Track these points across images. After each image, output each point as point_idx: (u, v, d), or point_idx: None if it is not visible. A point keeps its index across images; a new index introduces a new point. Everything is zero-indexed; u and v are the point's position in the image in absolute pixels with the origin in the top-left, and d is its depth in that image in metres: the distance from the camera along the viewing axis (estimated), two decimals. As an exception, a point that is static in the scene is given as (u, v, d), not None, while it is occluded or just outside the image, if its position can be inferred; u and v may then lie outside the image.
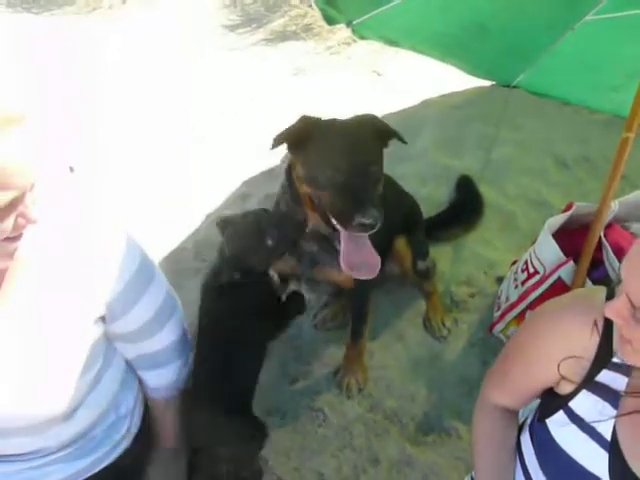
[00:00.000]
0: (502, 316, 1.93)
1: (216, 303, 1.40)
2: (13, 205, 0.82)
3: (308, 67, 3.70)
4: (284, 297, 1.53)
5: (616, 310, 0.76)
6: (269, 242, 1.33)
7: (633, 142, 1.70)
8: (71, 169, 1.56)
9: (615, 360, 0.86)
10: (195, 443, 1.41)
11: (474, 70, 3.02)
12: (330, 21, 2.16)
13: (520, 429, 1.08)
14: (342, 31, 3.53)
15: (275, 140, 1.38)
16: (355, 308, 1.79)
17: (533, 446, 1.00)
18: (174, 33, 4.11)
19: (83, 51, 3.80)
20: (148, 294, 1.12)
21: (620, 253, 1.72)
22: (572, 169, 2.75)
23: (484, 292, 2.16)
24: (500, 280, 2.15)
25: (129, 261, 1.06)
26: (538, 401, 1.03)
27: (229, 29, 4.20)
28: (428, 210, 2.22)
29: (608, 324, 0.86)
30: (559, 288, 1.73)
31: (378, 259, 1.38)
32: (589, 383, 0.87)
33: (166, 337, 1.22)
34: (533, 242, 1.92)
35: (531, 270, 1.85)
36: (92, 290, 1.01)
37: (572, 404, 0.89)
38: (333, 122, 1.40)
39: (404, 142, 1.46)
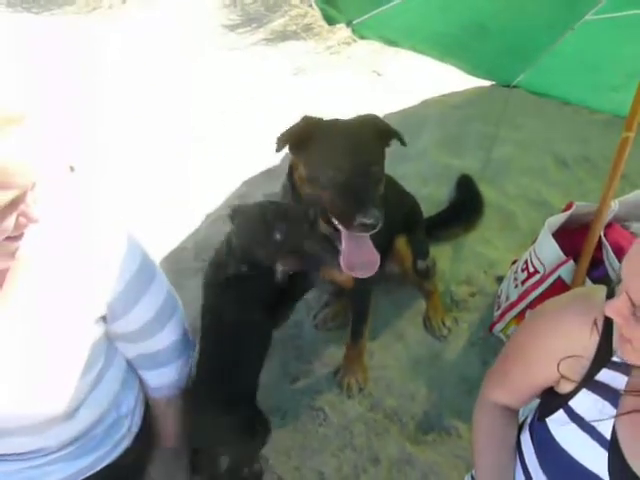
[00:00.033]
0: (502, 315, 1.94)
1: (220, 298, 1.37)
2: (14, 204, 0.82)
3: (308, 67, 3.70)
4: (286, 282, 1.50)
5: (616, 309, 0.76)
6: (277, 236, 1.29)
7: (633, 142, 1.70)
8: (71, 169, 1.56)
9: (615, 359, 0.86)
10: (196, 443, 1.41)
11: (474, 70, 3.02)
12: (330, 21, 2.15)
13: (520, 428, 1.09)
14: (342, 31, 3.53)
15: (279, 141, 1.38)
16: (355, 308, 1.80)
17: (533, 445, 1.00)
18: (174, 33, 4.10)
19: (83, 51, 3.80)
20: (149, 294, 1.13)
21: (620, 252, 1.72)
22: (572, 169, 2.75)
23: (484, 291, 2.17)
24: (500, 279, 2.15)
25: (130, 261, 1.06)
26: (538, 400, 1.04)
27: (229, 29, 4.20)
28: (428, 209, 2.22)
29: (608, 323, 0.86)
30: (559, 287, 1.73)
31: (377, 257, 1.39)
32: (589, 382, 0.88)
33: (167, 337, 1.22)
34: (533, 241, 1.92)
35: (531, 269, 1.86)
36: (93, 290, 1.01)
37: (572, 403, 0.90)
38: (335, 122, 1.40)
39: (404, 144, 1.46)
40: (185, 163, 2.87)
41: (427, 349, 1.99)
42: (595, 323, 0.87)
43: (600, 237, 1.76)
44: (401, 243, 1.87)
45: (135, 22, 4.31)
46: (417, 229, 1.97)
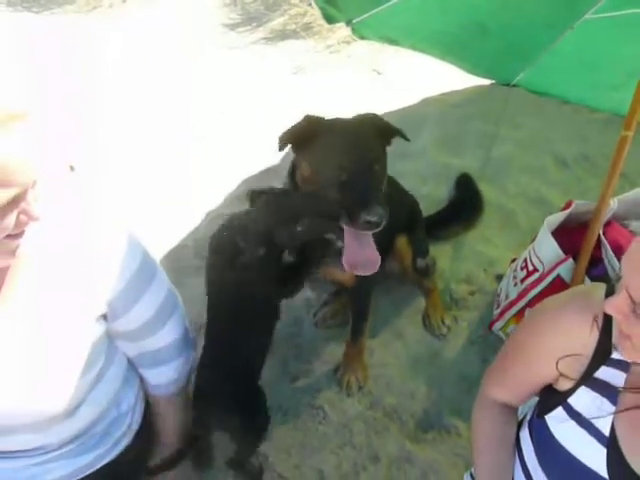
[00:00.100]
0: (502, 314, 1.94)
1: (228, 273, 1.35)
2: (15, 202, 0.82)
3: (308, 66, 3.69)
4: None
5: (616, 306, 0.77)
6: (299, 228, 1.28)
7: (632, 140, 1.71)
8: (72, 168, 1.56)
9: (614, 356, 0.86)
10: (197, 426, 1.41)
11: (474, 69, 3.02)
12: (330, 20, 2.15)
13: (519, 426, 1.09)
14: (342, 30, 3.52)
15: (281, 140, 1.39)
16: (356, 306, 1.80)
17: (532, 442, 1.01)
18: (174, 32, 4.10)
19: (83, 50, 3.79)
20: (149, 292, 1.13)
21: (619, 251, 1.73)
22: (571, 167, 2.75)
23: (484, 290, 2.17)
24: (500, 278, 2.16)
25: (130, 259, 1.06)
26: (537, 398, 1.04)
27: (229, 28, 4.20)
28: (428, 208, 2.22)
29: (607, 321, 0.86)
30: (558, 286, 1.73)
31: (378, 256, 1.39)
32: (588, 379, 0.88)
33: (168, 335, 1.22)
34: (532, 240, 1.92)
35: (530, 268, 1.86)
36: (93, 288, 1.01)
37: (571, 400, 0.90)
38: (336, 121, 1.41)
39: (407, 139, 1.47)
40: (185, 162, 2.87)
41: (427, 347, 1.99)
42: (595, 320, 0.87)
43: (599, 235, 1.76)
44: (401, 242, 1.87)
45: (135, 21, 4.31)
46: (417, 228, 1.97)
